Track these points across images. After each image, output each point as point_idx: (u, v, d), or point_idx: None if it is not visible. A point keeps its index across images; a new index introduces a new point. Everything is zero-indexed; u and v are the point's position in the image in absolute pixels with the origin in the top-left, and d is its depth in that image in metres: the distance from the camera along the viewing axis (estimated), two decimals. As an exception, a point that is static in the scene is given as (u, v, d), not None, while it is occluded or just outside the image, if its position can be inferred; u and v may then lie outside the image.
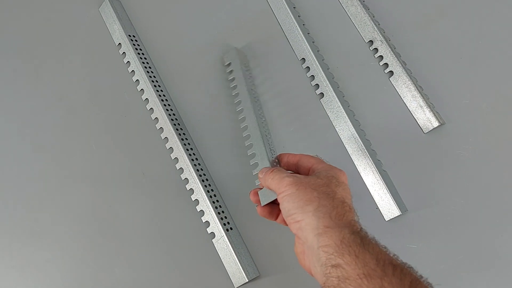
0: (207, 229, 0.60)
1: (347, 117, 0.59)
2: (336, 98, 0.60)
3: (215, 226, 0.59)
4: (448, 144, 0.57)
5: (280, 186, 0.46)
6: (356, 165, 0.59)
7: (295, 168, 0.52)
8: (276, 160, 0.54)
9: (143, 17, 0.73)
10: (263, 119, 0.62)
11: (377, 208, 0.57)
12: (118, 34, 0.71)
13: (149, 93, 0.67)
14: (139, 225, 0.65)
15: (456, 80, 0.59)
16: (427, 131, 0.58)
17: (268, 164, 0.52)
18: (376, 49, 0.62)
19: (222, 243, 0.59)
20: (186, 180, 0.62)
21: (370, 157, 0.57)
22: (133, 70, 0.69)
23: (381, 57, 0.61)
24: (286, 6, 0.65)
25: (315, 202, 0.43)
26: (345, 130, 0.60)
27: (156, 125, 0.66)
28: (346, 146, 0.60)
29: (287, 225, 0.50)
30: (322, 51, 0.64)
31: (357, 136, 0.58)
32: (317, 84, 0.62)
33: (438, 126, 0.57)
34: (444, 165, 0.57)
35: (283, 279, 0.58)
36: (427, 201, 0.56)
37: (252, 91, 0.63)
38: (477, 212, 0.54)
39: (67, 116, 0.73)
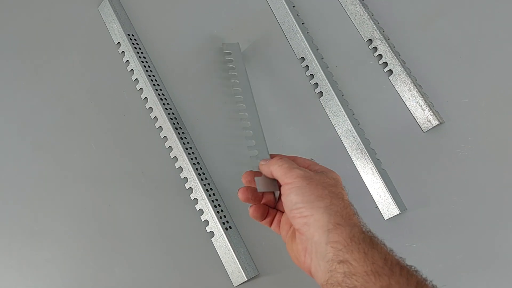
0: (206, 228, 0.60)
1: (346, 116, 0.59)
2: (335, 97, 0.60)
3: (214, 225, 0.59)
4: (447, 143, 0.57)
5: (288, 176, 0.45)
6: (355, 164, 0.59)
7: None
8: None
9: (142, 16, 0.73)
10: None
11: (376, 207, 0.57)
12: (117, 33, 0.71)
13: (148, 92, 0.67)
14: (139, 224, 0.65)
15: (456, 79, 0.59)
16: (426, 130, 0.58)
17: (267, 155, 0.51)
18: (375, 48, 0.62)
19: (221, 242, 0.59)
20: (185, 179, 0.62)
21: (369, 156, 0.57)
22: (132, 69, 0.69)
23: (380, 55, 0.61)
24: (285, 5, 0.65)
25: (327, 199, 0.43)
26: (344, 129, 0.60)
27: (155, 124, 0.66)
28: (345, 145, 0.60)
29: (279, 232, 0.50)
30: (321, 50, 0.64)
31: (356, 135, 0.58)
32: (316, 83, 0.62)
33: (437, 125, 0.57)
34: (443, 164, 0.57)
35: (282, 278, 0.58)
36: (426, 200, 0.56)
37: (250, 85, 0.63)
38: (476, 211, 0.54)
39: (66, 115, 0.73)
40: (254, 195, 0.50)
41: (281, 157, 0.48)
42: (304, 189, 0.44)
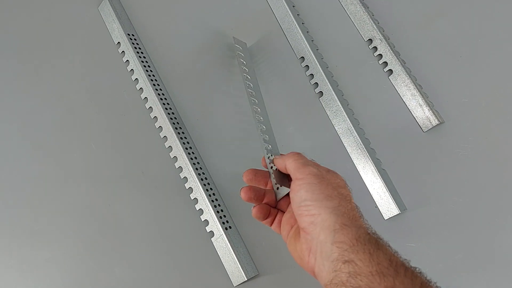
0: (206, 227, 0.60)
1: (346, 115, 0.59)
2: (335, 97, 0.60)
3: (214, 225, 0.59)
4: (447, 142, 0.57)
5: (301, 172, 0.45)
6: (355, 163, 0.59)
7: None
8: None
9: (142, 16, 0.73)
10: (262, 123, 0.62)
11: (376, 207, 0.57)
12: (117, 33, 0.71)
13: (148, 92, 0.67)
14: (139, 224, 0.65)
15: (456, 79, 0.59)
16: (426, 130, 0.58)
17: (278, 152, 0.52)
18: (375, 48, 0.62)
19: (221, 242, 0.59)
20: (185, 179, 0.62)
21: (369, 156, 0.57)
22: (132, 69, 0.69)
23: (380, 55, 0.61)
24: (285, 4, 0.65)
25: (336, 200, 0.43)
26: (344, 128, 0.60)
27: (155, 124, 0.66)
28: (345, 144, 0.60)
29: (279, 232, 0.50)
30: (321, 50, 0.64)
31: (356, 134, 0.58)
32: (316, 82, 0.62)
33: (437, 124, 0.57)
34: (443, 163, 0.57)
35: (282, 278, 0.58)
36: (426, 200, 0.56)
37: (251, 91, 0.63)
38: (476, 211, 0.54)
39: (66, 115, 0.73)
40: (257, 195, 0.50)
41: (298, 153, 0.48)
42: (315, 187, 0.43)
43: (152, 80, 0.68)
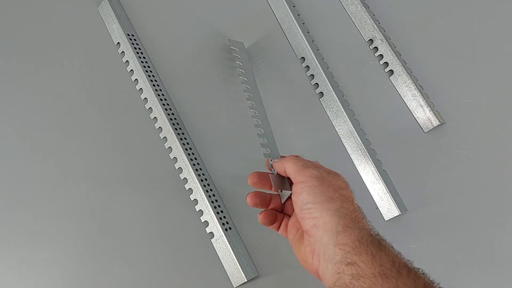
0: (206, 228, 0.60)
1: (346, 116, 0.59)
2: (336, 97, 0.60)
3: (214, 226, 0.59)
4: (448, 143, 0.57)
5: (301, 175, 0.45)
6: (355, 164, 0.59)
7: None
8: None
9: (142, 16, 0.73)
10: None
11: (377, 208, 0.57)
12: (117, 33, 0.71)
13: (148, 92, 0.66)
14: (138, 224, 0.65)
15: (457, 79, 0.58)
16: (427, 131, 0.58)
17: (278, 155, 0.52)
18: (376, 48, 0.61)
19: (221, 243, 0.59)
20: (185, 179, 0.62)
21: (370, 157, 0.57)
22: (132, 70, 0.69)
23: (381, 56, 0.61)
24: (286, 4, 0.65)
25: (338, 202, 0.43)
26: (344, 129, 0.59)
27: (155, 125, 0.66)
28: (346, 145, 0.59)
29: (286, 236, 0.50)
30: (321, 50, 0.64)
31: (357, 135, 0.58)
32: (316, 83, 0.62)
33: (438, 125, 0.57)
34: (444, 164, 0.57)
35: (282, 279, 0.57)
36: (427, 201, 0.56)
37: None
38: (476, 212, 0.54)
39: (66, 116, 0.73)
40: (263, 201, 0.50)
41: (296, 156, 0.48)
42: (316, 190, 0.43)
43: (152, 80, 0.67)
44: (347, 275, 0.38)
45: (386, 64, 0.61)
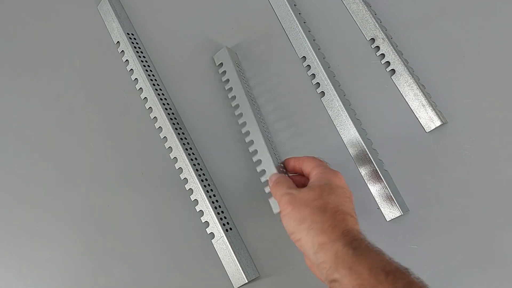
0: (206, 229, 0.60)
1: (348, 116, 0.59)
2: (337, 97, 0.59)
3: (215, 227, 0.59)
4: (450, 143, 0.57)
5: (280, 205, 0.48)
6: (357, 164, 0.58)
7: (300, 171, 0.53)
8: (282, 165, 0.55)
9: (142, 15, 0.73)
10: (263, 121, 0.61)
11: (378, 208, 0.57)
12: (116, 32, 0.71)
13: (148, 92, 0.66)
14: (138, 225, 0.65)
15: (459, 79, 0.58)
16: (429, 130, 0.57)
17: (274, 170, 0.53)
18: (377, 47, 0.61)
19: (221, 244, 0.58)
20: (185, 180, 0.62)
21: (371, 157, 0.57)
22: (131, 69, 0.68)
23: (382, 55, 0.61)
24: (287, 3, 0.64)
25: (308, 220, 0.44)
26: (346, 129, 0.59)
27: (155, 125, 0.66)
28: (347, 145, 0.59)
29: None
30: (322, 49, 0.63)
31: (358, 135, 0.58)
32: (317, 82, 0.61)
33: (440, 125, 0.56)
34: (446, 164, 0.56)
35: (283, 280, 0.57)
36: (429, 201, 0.56)
37: (249, 92, 0.62)
38: (479, 212, 0.54)
39: (65, 115, 0.73)
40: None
41: (277, 180, 0.50)
42: (290, 216, 0.46)
43: (151, 80, 0.67)
44: None
45: (388, 63, 0.60)
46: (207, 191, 0.60)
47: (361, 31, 0.63)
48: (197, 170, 0.61)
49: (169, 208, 0.64)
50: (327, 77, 0.60)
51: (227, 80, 0.63)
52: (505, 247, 0.52)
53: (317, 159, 0.52)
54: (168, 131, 0.64)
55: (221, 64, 0.64)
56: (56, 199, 0.70)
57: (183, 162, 0.62)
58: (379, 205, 0.56)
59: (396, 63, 0.59)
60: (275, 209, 0.51)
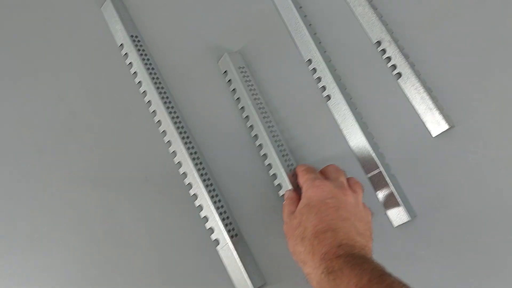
0: (211, 236, 0.59)
1: (354, 119, 0.58)
2: (344, 100, 0.59)
3: (220, 233, 0.58)
4: (458, 147, 0.56)
5: (284, 229, 0.52)
6: (363, 168, 0.58)
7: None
8: (295, 174, 0.57)
9: (145, 17, 0.72)
10: (273, 127, 0.61)
11: (385, 213, 0.56)
12: (120, 34, 0.70)
13: (152, 95, 0.65)
14: (141, 230, 0.64)
15: (466, 82, 0.58)
16: (436, 134, 0.57)
17: (289, 185, 0.56)
18: (384, 50, 0.60)
19: (226, 251, 0.58)
20: (190, 185, 0.61)
21: (379, 161, 0.56)
22: (135, 72, 0.68)
23: (389, 58, 0.60)
24: (293, 6, 0.64)
25: (295, 252, 0.48)
26: (352, 133, 0.59)
27: (159, 128, 0.65)
28: (354, 149, 0.59)
29: None
30: (329, 52, 0.63)
31: (365, 139, 0.57)
32: (323, 86, 0.61)
33: (447, 129, 0.56)
34: (453, 169, 0.56)
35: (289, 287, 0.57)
36: (437, 206, 0.55)
37: (254, 97, 0.62)
38: (487, 218, 0.54)
39: (68, 118, 0.72)
40: None
41: (283, 204, 0.54)
42: (288, 242, 0.50)
43: (155, 83, 0.66)
44: None
45: (394, 66, 0.60)
46: (212, 197, 0.60)
47: (367, 34, 0.62)
48: (201, 175, 0.61)
49: (172, 213, 0.63)
50: (333, 80, 0.60)
51: (234, 90, 0.63)
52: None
53: (309, 171, 0.53)
54: (172, 135, 0.63)
55: (226, 72, 0.64)
56: (58, 204, 0.70)
57: (187, 166, 0.61)
58: (386, 211, 0.56)
59: (403, 66, 0.59)
60: None
